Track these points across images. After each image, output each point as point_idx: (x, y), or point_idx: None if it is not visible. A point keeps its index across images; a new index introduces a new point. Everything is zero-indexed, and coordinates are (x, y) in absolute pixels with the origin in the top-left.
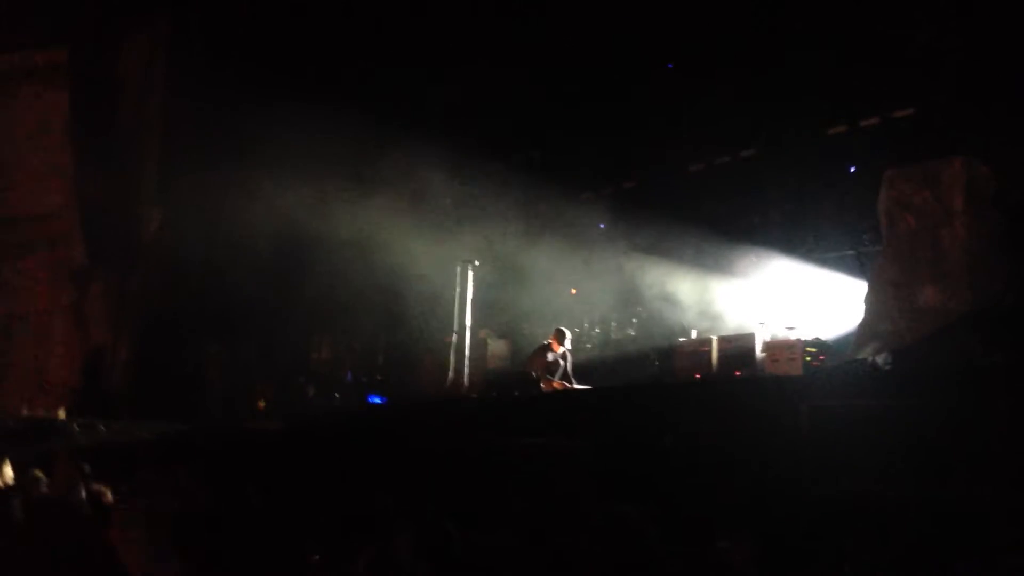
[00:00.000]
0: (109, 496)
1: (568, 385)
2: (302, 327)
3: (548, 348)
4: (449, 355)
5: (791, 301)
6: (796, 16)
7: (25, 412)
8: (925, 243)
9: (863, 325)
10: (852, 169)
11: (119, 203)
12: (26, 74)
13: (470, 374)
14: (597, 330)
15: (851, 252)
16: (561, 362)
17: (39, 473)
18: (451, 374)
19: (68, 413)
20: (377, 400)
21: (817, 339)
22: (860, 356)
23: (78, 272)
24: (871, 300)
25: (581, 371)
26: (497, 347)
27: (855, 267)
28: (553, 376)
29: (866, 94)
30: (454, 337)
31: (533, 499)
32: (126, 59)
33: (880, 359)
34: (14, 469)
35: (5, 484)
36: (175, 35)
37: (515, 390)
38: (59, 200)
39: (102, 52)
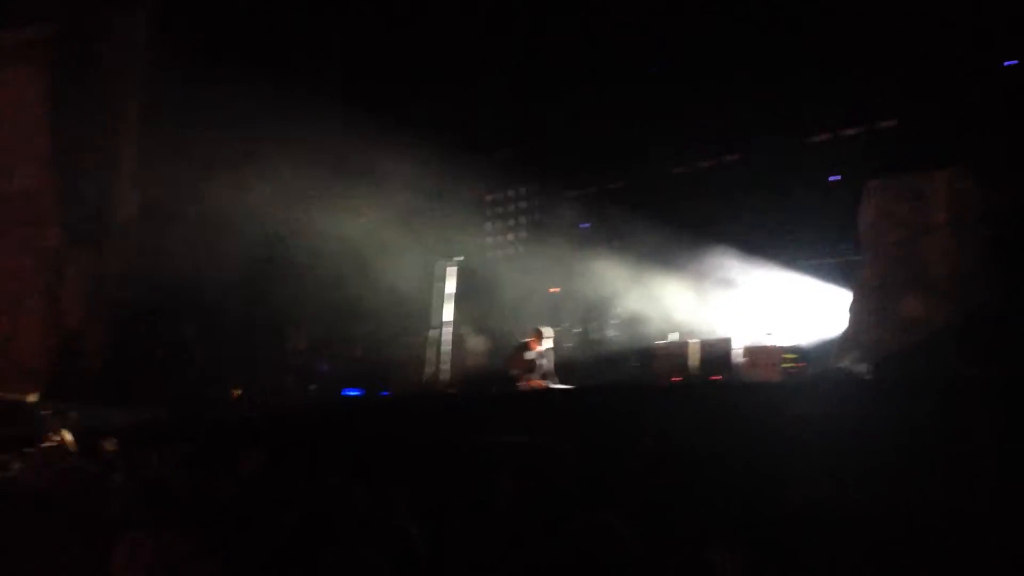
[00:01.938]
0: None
1: (547, 384)
2: (279, 316)
3: (527, 347)
4: (427, 350)
5: (771, 307)
6: (782, 23)
7: None
8: (908, 254)
9: (845, 334)
10: (836, 178)
11: (97, 186)
12: (5, 52)
13: (448, 370)
14: (577, 329)
15: (832, 260)
16: (540, 361)
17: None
18: (429, 369)
19: (41, 397)
20: (353, 392)
21: (796, 346)
22: (842, 365)
23: (54, 254)
24: (854, 309)
25: (561, 370)
26: (476, 344)
27: (836, 275)
28: (532, 375)
29: (851, 103)
30: (432, 332)
31: (511, 500)
32: (109, 41)
33: (862, 368)
34: None
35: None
36: (160, 19)
37: (493, 387)
38: (36, 181)
39: (85, 33)
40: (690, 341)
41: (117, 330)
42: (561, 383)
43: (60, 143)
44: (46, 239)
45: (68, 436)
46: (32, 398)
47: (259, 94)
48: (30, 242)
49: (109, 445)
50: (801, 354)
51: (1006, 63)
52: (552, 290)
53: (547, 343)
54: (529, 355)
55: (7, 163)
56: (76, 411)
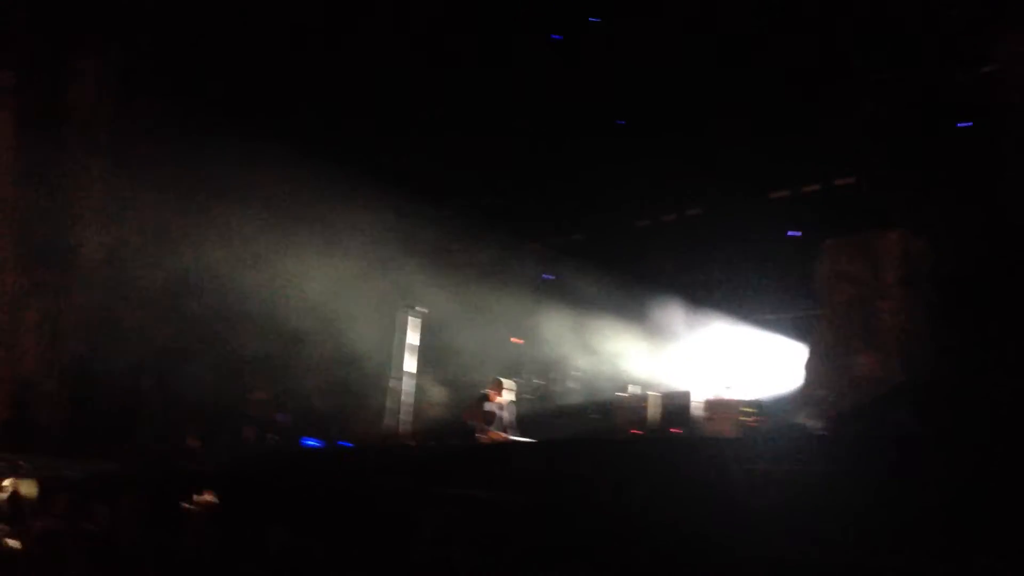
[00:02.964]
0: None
1: (506, 436)
2: (239, 366)
3: (486, 398)
4: (387, 401)
5: (730, 361)
6: (746, 79)
7: None
8: (860, 313)
9: (800, 390)
10: (794, 234)
11: (59, 230)
12: None
13: (408, 421)
14: (538, 381)
15: (790, 316)
16: (499, 412)
17: None
18: (389, 420)
19: None
20: (312, 443)
21: (755, 400)
22: (796, 420)
23: (12, 301)
24: (809, 366)
25: (520, 422)
26: (437, 394)
27: (793, 331)
28: (491, 427)
29: (809, 160)
30: (393, 382)
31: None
32: (75, 84)
33: (814, 424)
34: None
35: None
36: (126, 62)
37: (453, 439)
38: None
39: (51, 76)
40: (650, 394)
41: (73, 379)
42: (521, 435)
43: (23, 188)
44: (5, 287)
45: (24, 488)
46: None
47: (225, 137)
48: None
49: (61, 498)
50: (759, 408)
51: (959, 124)
52: (514, 340)
53: (507, 395)
54: (489, 407)
55: None
56: (28, 462)
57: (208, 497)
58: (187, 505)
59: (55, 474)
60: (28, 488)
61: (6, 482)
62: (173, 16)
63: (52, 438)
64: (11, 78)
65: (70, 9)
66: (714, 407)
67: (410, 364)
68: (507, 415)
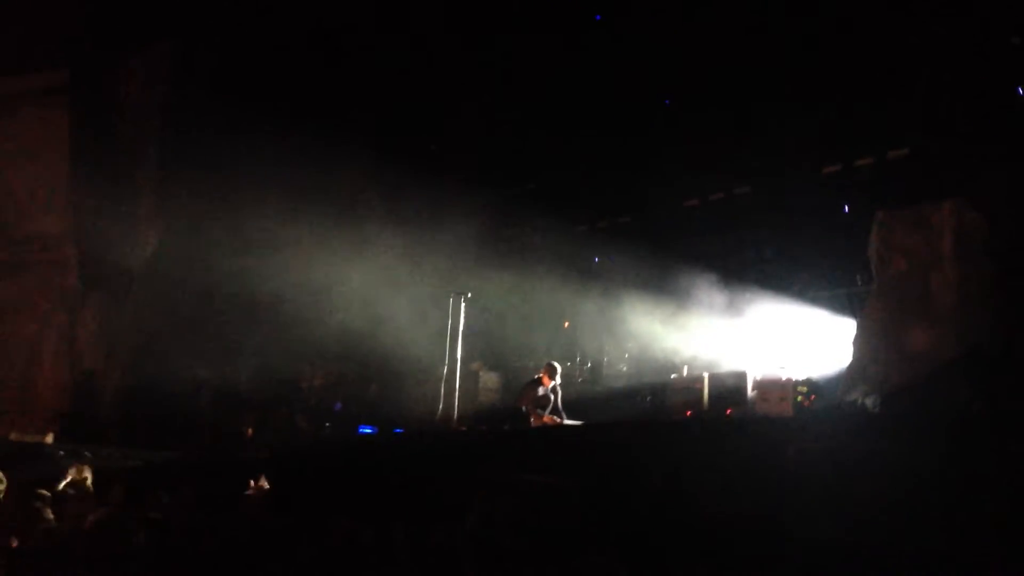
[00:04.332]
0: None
1: (558, 420)
2: (293, 356)
3: (539, 382)
4: (440, 387)
5: (783, 339)
6: (794, 54)
7: (13, 436)
8: (915, 286)
9: (852, 367)
10: (846, 208)
11: (115, 227)
12: (26, 96)
13: (460, 406)
14: (589, 365)
15: (843, 291)
16: (551, 396)
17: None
18: (441, 406)
19: (56, 438)
20: (367, 430)
21: (808, 379)
22: (849, 398)
23: (72, 295)
24: (860, 342)
25: (572, 406)
26: (488, 380)
27: (846, 307)
28: (543, 411)
29: (861, 134)
30: (445, 369)
31: (518, 539)
32: (126, 83)
33: (869, 402)
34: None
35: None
36: (175, 61)
37: (505, 424)
38: (55, 222)
39: (102, 76)
40: (702, 375)
41: (133, 371)
42: (572, 419)
43: (78, 186)
44: (64, 281)
45: (86, 476)
46: (49, 439)
47: (274, 134)
48: (48, 284)
49: (122, 486)
50: (813, 387)
51: (1016, 91)
52: (565, 325)
53: (558, 379)
54: (541, 391)
55: (26, 207)
56: (91, 452)
57: (263, 484)
58: (245, 491)
59: (117, 464)
60: (89, 476)
61: (72, 471)
62: (227, 16)
63: (112, 429)
64: (65, 78)
65: (123, 9)
66: (767, 387)
67: (461, 350)
68: (559, 399)
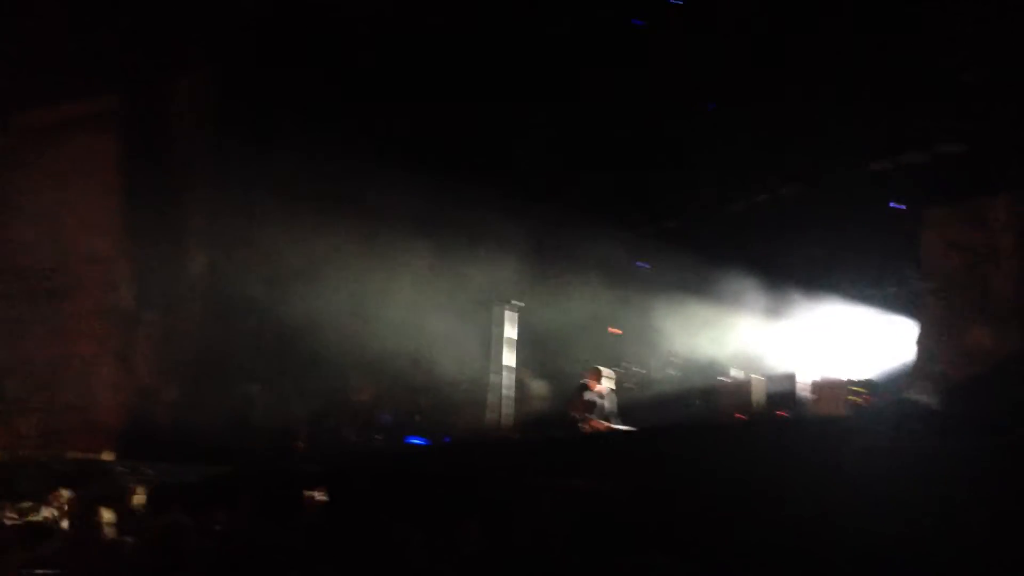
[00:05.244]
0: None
1: (609, 425)
2: (341, 369)
3: (586, 387)
4: (488, 396)
5: (835, 340)
6: (839, 49)
7: (71, 454)
8: (972, 282)
9: (912, 365)
10: (895, 205)
11: (166, 247)
12: (77, 121)
13: (510, 415)
14: (638, 369)
15: (895, 289)
16: (599, 401)
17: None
18: (491, 415)
19: (114, 455)
20: (417, 441)
21: (863, 379)
22: (909, 396)
23: (125, 315)
24: (920, 340)
25: (622, 411)
26: (537, 387)
27: (899, 305)
28: (592, 416)
29: (910, 128)
30: (493, 377)
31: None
32: (174, 105)
33: (928, 401)
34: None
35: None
36: (223, 81)
37: (555, 431)
38: (107, 244)
39: (151, 98)
40: (753, 377)
41: (188, 388)
42: (622, 424)
43: (130, 208)
44: (118, 301)
45: (147, 492)
46: (107, 456)
47: (322, 150)
48: (103, 305)
49: (182, 501)
50: (868, 387)
51: None
52: (612, 330)
53: (608, 383)
54: (589, 396)
55: (80, 229)
56: (149, 468)
57: (320, 495)
58: (302, 502)
59: (176, 479)
60: (150, 492)
61: (138, 489)
62: (274, 33)
63: (169, 445)
64: (114, 101)
65: (170, 30)
66: (821, 388)
67: (509, 358)
68: (608, 404)
